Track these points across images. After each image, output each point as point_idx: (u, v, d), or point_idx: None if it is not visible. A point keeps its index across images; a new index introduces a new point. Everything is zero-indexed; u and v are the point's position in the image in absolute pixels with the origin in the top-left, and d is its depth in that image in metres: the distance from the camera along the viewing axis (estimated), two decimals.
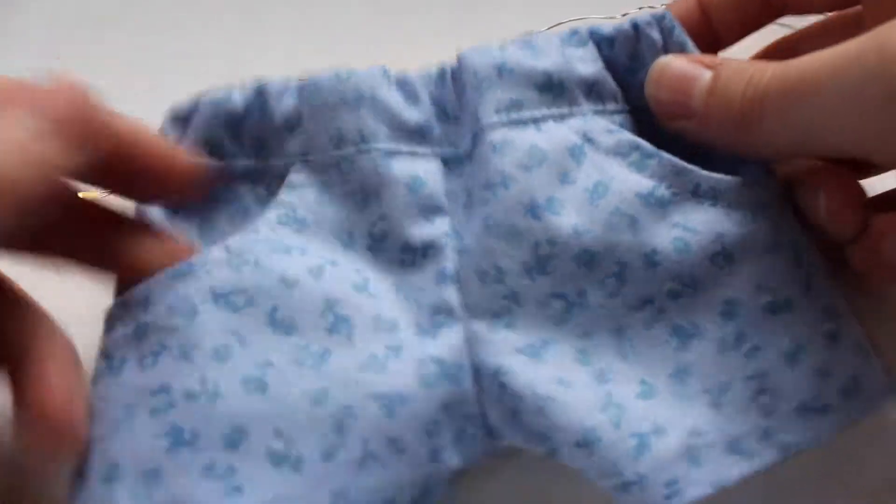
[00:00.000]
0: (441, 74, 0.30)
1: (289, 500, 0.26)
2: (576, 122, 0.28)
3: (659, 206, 0.27)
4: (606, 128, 0.28)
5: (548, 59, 0.28)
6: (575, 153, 0.28)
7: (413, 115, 0.29)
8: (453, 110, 0.30)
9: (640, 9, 0.43)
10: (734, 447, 0.26)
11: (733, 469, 0.26)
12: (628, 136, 0.28)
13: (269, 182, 0.30)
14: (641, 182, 0.28)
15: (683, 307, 0.27)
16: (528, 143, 0.28)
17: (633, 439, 0.26)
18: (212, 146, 0.30)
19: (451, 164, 0.29)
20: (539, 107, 0.28)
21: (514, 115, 0.28)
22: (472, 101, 0.29)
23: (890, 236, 0.28)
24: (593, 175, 0.28)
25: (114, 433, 0.26)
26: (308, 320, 0.27)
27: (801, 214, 0.29)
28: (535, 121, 0.28)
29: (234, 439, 0.26)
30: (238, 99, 0.29)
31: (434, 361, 0.27)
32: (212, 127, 0.29)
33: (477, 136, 0.28)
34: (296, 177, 0.29)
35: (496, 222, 0.28)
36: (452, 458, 0.27)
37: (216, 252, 0.28)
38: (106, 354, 0.27)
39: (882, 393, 0.27)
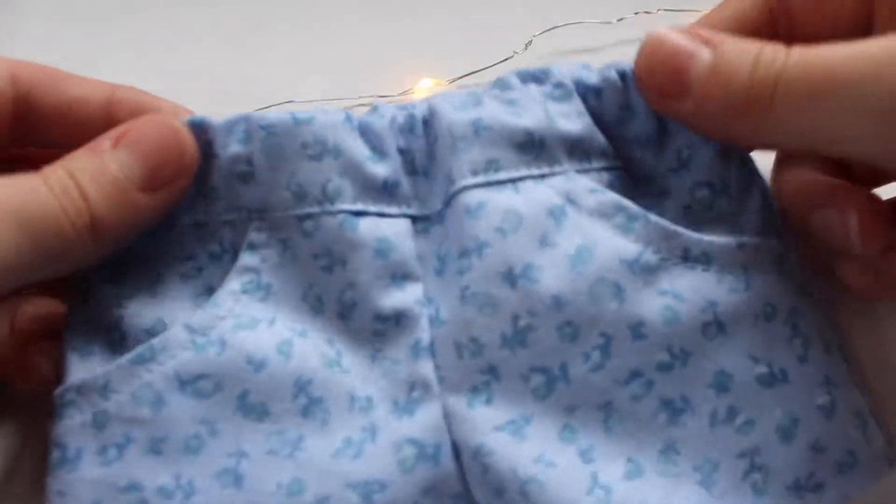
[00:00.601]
0: (409, 123, 0.28)
1: None
2: (557, 182, 0.27)
3: (645, 273, 0.26)
4: (589, 188, 0.27)
5: (529, 117, 0.27)
6: (555, 214, 0.27)
7: (380, 169, 0.27)
8: (423, 164, 0.28)
9: (635, 13, 0.43)
10: None
11: None
12: (612, 197, 0.27)
13: (221, 238, 0.28)
14: (627, 247, 0.26)
15: (673, 380, 0.26)
16: (504, 205, 0.26)
17: None
18: None
19: (420, 224, 0.28)
20: (518, 167, 0.27)
21: (490, 176, 0.27)
22: (445, 160, 0.27)
23: None
24: (575, 239, 0.26)
25: None
26: (280, 404, 0.26)
27: (814, 245, 0.28)
28: (513, 181, 0.27)
29: None
30: None
31: (411, 443, 0.26)
32: None
33: (450, 198, 0.27)
34: (256, 236, 0.27)
35: (472, 293, 0.26)
36: None
37: (178, 333, 0.26)
38: (58, 443, 0.26)
39: (880, 466, 0.26)
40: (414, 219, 0.28)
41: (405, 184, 0.28)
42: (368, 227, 0.27)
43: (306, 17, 0.42)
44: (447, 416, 0.27)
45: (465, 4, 0.43)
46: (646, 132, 0.28)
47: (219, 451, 0.26)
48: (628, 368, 0.26)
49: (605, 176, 0.28)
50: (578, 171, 0.27)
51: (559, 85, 0.28)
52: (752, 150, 0.28)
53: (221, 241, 0.28)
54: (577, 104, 0.27)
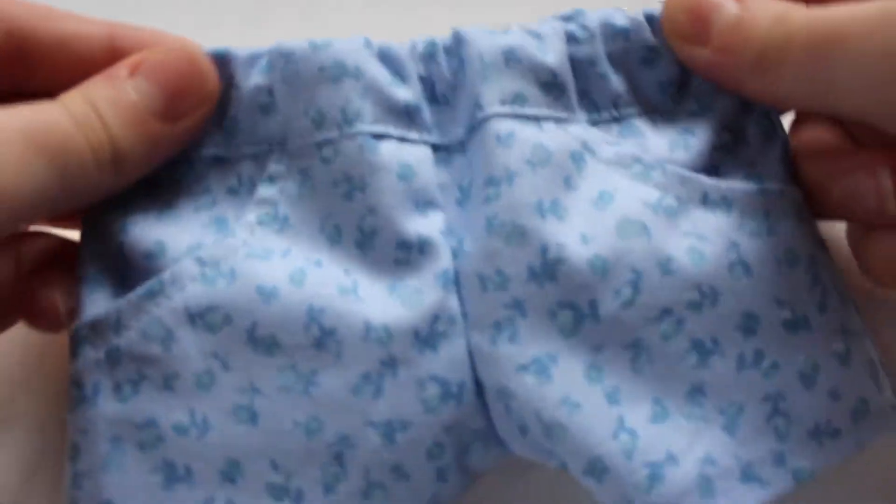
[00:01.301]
0: (430, 51, 0.27)
1: None
2: (573, 129, 0.26)
3: (668, 215, 0.25)
4: (604, 139, 0.26)
5: (553, 55, 0.26)
6: (576, 159, 0.26)
7: (401, 93, 0.26)
8: (443, 92, 0.27)
9: None
10: (748, 474, 0.25)
11: (748, 498, 0.25)
12: (628, 149, 0.26)
13: (240, 173, 0.27)
14: (647, 192, 0.26)
15: (703, 320, 0.25)
16: (532, 139, 0.25)
17: (646, 469, 0.24)
18: None
19: (441, 153, 0.27)
20: (541, 106, 0.26)
21: (517, 109, 0.26)
22: (473, 86, 0.26)
23: None
24: (595, 185, 0.26)
25: (102, 469, 0.25)
26: (290, 337, 0.25)
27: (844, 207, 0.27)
28: (537, 119, 0.26)
29: (231, 473, 0.25)
30: None
31: (435, 382, 0.25)
32: None
33: (477, 126, 0.26)
34: (275, 168, 0.26)
35: (500, 221, 0.25)
36: (458, 477, 0.26)
37: (187, 265, 0.25)
38: (76, 381, 0.25)
39: (890, 415, 0.26)
40: (435, 147, 0.27)
41: (426, 111, 0.27)
42: (389, 151, 0.26)
43: (308, 8, 0.41)
44: (471, 351, 0.25)
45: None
46: (669, 76, 0.27)
47: (231, 387, 0.25)
48: (659, 306, 0.25)
49: (615, 127, 0.27)
50: (590, 123, 0.27)
51: (584, 26, 0.26)
52: (766, 104, 0.27)
53: (240, 175, 0.27)
54: (598, 45, 0.27)
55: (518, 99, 0.26)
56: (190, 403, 0.25)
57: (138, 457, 0.25)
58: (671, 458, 0.24)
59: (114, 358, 0.25)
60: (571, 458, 0.25)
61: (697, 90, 0.27)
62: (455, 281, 0.26)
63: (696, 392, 0.25)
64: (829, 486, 0.28)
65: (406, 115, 0.26)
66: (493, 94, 0.26)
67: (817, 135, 0.28)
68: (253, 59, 0.26)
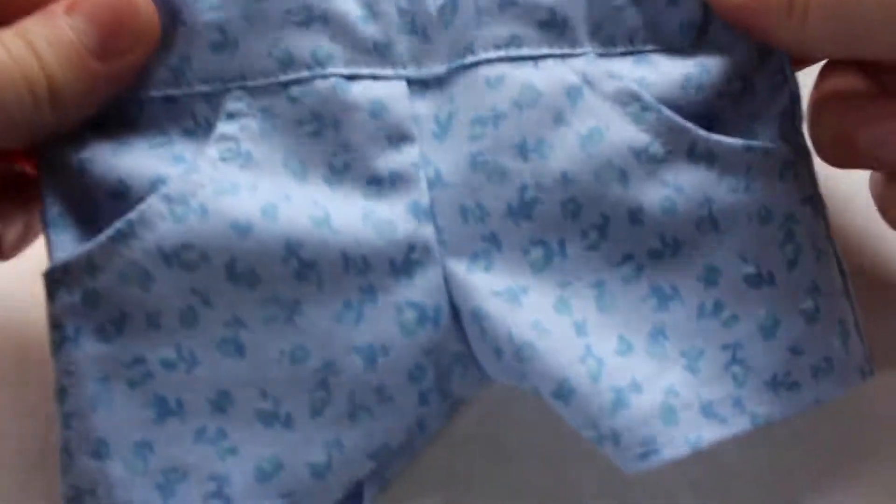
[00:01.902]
0: None
1: (284, 456, 0.26)
2: (577, 63, 0.26)
3: (651, 163, 0.26)
4: (608, 72, 0.26)
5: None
6: (572, 94, 0.26)
7: (371, 29, 0.26)
8: (424, 27, 0.26)
9: None
10: (708, 411, 0.26)
11: (708, 431, 0.26)
12: (629, 85, 0.26)
13: (195, 113, 0.26)
14: (637, 136, 0.26)
15: (664, 268, 0.26)
16: (522, 80, 0.26)
17: (611, 393, 0.25)
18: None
19: (416, 86, 0.26)
20: (540, 45, 0.26)
21: (512, 52, 0.26)
22: (465, 31, 0.26)
23: None
24: (589, 120, 0.26)
25: (92, 408, 0.25)
26: (270, 269, 0.25)
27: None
28: (534, 58, 0.26)
29: (221, 404, 0.26)
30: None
31: (412, 307, 0.26)
32: None
33: (466, 68, 0.26)
34: (234, 105, 0.26)
35: (484, 160, 0.26)
36: (440, 400, 0.27)
37: (155, 203, 0.25)
38: (56, 324, 0.25)
39: (851, 377, 0.27)
40: (409, 81, 0.26)
41: (402, 43, 0.26)
42: (361, 90, 0.26)
43: None
44: (447, 279, 0.26)
45: None
46: (691, 18, 0.27)
47: (215, 322, 0.25)
48: (621, 251, 0.26)
49: (629, 60, 0.27)
50: (600, 55, 0.27)
51: None
52: (799, 55, 0.28)
53: (195, 115, 0.26)
54: None
55: (513, 41, 0.26)
56: (176, 340, 0.25)
57: (128, 394, 0.25)
58: (636, 386, 0.26)
59: (92, 301, 0.25)
60: (541, 380, 0.26)
61: (716, 35, 0.27)
62: (430, 210, 0.26)
63: (659, 333, 0.26)
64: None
65: (377, 53, 0.26)
66: (486, 39, 0.26)
67: (844, 83, 0.29)
68: None
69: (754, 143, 0.27)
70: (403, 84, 0.26)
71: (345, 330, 0.26)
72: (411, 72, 0.26)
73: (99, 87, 0.25)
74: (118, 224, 0.25)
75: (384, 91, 0.26)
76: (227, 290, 0.25)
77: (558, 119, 0.26)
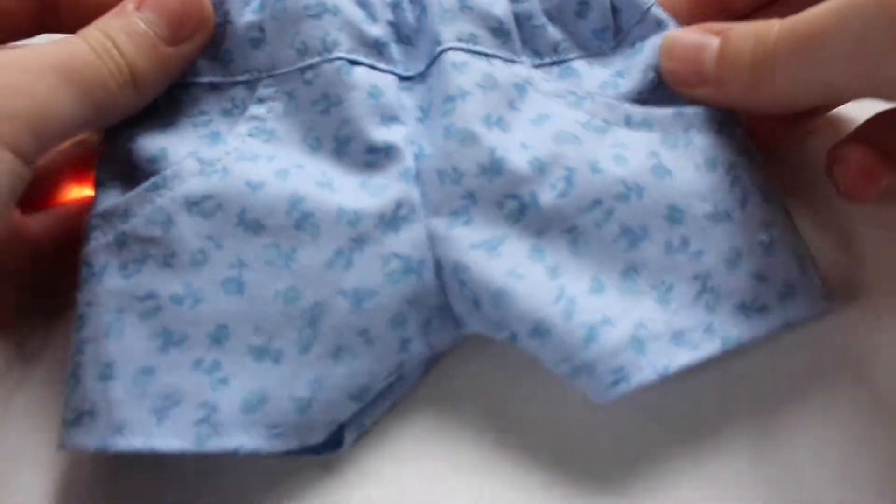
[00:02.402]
0: (397, 1, 0.32)
1: (270, 389, 0.28)
2: (518, 69, 0.31)
3: (597, 132, 0.30)
4: (544, 78, 0.31)
5: (499, 7, 0.31)
6: (519, 88, 0.31)
7: (372, 29, 0.31)
8: (408, 34, 0.32)
9: None
10: (679, 339, 0.28)
11: (678, 357, 0.28)
12: (563, 84, 0.31)
13: (234, 97, 0.31)
14: (579, 115, 0.30)
15: (631, 209, 0.29)
16: (483, 69, 0.30)
17: (583, 329, 0.28)
18: None
19: (404, 82, 0.32)
20: (491, 46, 0.31)
21: (471, 46, 0.31)
22: (433, 27, 0.31)
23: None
24: (535, 109, 0.31)
25: (105, 335, 0.28)
26: (274, 219, 0.29)
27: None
28: (487, 56, 0.31)
29: (219, 337, 0.28)
30: None
31: (397, 257, 0.29)
32: None
33: (437, 57, 0.31)
34: (265, 91, 0.31)
35: (456, 129, 0.29)
36: (421, 348, 0.30)
37: (188, 163, 0.29)
38: (87, 262, 0.29)
39: (816, 301, 0.29)
40: (400, 78, 0.32)
41: (394, 48, 0.32)
42: (361, 74, 0.31)
43: None
44: (430, 236, 0.29)
45: None
46: (602, 24, 0.32)
47: (222, 263, 0.29)
48: (590, 197, 0.29)
49: (556, 69, 0.32)
50: (534, 66, 0.32)
51: None
52: (776, 113, 0.31)
53: (234, 99, 0.32)
54: (533, 4, 0.32)
55: (472, 38, 0.31)
56: (186, 278, 0.29)
57: (138, 325, 0.28)
58: (607, 321, 0.28)
59: (121, 241, 0.29)
60: (518, 324, 0.28)
61: (630, 34, 0.32)
62: (416, 178, 0.30)
63: (630, 271, 0.29)
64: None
65: (375, 49, 0.31)
66: (450, 32, 0.31)
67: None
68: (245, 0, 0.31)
69: (685, 109, 0.30)
70: (395, 78, 0.31)
71: (335, 274, 0.29)
72: (400, 70, 0.32)
73: (171, 68, 0.30)
74: (155, 178, 0.29)
75: (379, 79, 0.31)
76: (235, 236, 0.29)
77: (511, 105, 0.30)
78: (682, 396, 0.30)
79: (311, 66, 0.31)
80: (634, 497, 0.29)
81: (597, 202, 0.29)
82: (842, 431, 0.29)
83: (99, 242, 0.29)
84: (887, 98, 0.28)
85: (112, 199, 0.30)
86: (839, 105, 0.32)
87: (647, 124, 0.30)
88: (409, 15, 0.32)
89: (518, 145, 0.30)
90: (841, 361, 0.31)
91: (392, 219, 0.29)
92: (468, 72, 0.30)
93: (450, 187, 0.29)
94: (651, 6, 0.32)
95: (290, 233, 0.29)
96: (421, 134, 0.31)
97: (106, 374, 0.28)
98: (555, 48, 0.32)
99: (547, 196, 0.29)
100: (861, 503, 0.28)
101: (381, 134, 0.30)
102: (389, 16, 0.32)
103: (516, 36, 0.32)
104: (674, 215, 0.29)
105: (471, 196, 0.29)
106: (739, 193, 0.29)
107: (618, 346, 0.27)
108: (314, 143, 0.31)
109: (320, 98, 0.30)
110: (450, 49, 0.31)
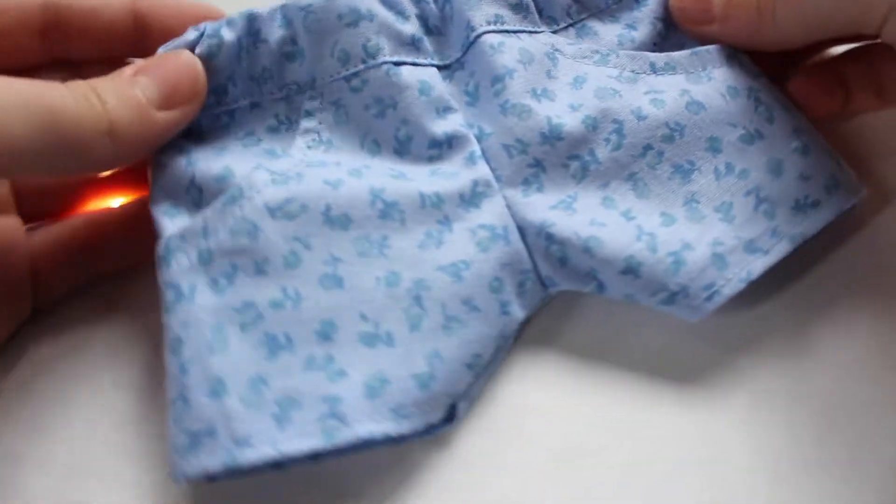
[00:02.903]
0: None
1: (389, 371, 0.28)
2: (542, 38, 0.33)
3: (629, 82, 0.32)
4: (566, 41, 0.33)
5: None
6: (551, 57, 0.33)
7: (406, 27, 0.32)
8: (436, 25, 0.33)
9: None
10: (751, 247, 0.30)
11: (755, 264, 0.30)
12: (586, 45, 0.33)
13: (277, 113, 0.32)
14: (609, 71, 0.33)
15: (677, 148, 0.31)
16: (517, 45, 0.32)
17: (669, 258, 0.30)
18: (212, 89, 0.31)
19: (443, 72, 0.33)
20: (515, 23, 0.33)
21: (499, 27, 0.33)
22: (462, 15, 0.32)
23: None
24: (569, 73, 0.33)
25: (209, 352, 0.27)
26: (360, 212, 0.29)
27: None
28: (516, 32, 0.33)
29: (326, 332, 0.28)
30: (229, 33, 0.31)
31: (484, 227, 0.30)
32: (210, 70, 0.31)
33: (472, 42, 0.32)
34: (310, 104, 0.32)
35: (511, 104, 0.31)
36: (518, 311, 0.30)
37: (260, 174, 0.29)
38: (172, 285, 0.28)
39: (856, 186, 0.32)
40: (438, 68, 0.33)
41: (426, 41, 0.33)
42: (408, 73, 0.32)
43: None
44: (509, 205, 0.31)
45: None
46: None
47: (316, 261, 0.29)
48: (640, 144, 0.32)
49: (572, 31, 0.34)
50: (553, 32, 0.34)
51: None
52: (775, 50, 0.33)
53: (277, 115, 0.32)
54: None
55: (498, 19, 0.33)
56: (281, 282, 0.28)
57: (241, 336, 0.28)
58: (687, 246, 0.30)
59: (205, 258, 0.29)
60: (609, 266, 0.30)
61: None
62: (483, 156, 0.31)
63: (691, 202, 0.31)
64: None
65: (413, 46, 0.33)
66: (480, 17, 0.33)
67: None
68: (273, 14, 0.32)
69: (698, 49, 0.33)
70: (435, 70, 0.33)
71: (429, 254, 0.30)
72: (437, 61, 0.33)
73: (156, 132, 0.29)
74: (230, 191, 0.29)
75: (424, 74, 0.32)
76: (324, 234, 0.29)
77: (549, 75, 0.32)
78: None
79: (355, 74, 0.32)
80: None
81: (647, 147, 0.32)
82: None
83: (181, 264, 0.29)
84: (870, 30, 0.31)
85: (181, 221, 0.30)
86: (830, 44, 0.36)
87: (670, 68, 0.33)
88: (433, 6, 0.33)
89: (568, 109, 0.32)
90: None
91: (471, 196, 0.31)
92: (506, 51, 0.32)
93: (518, 158, 0.31)
94: None
95: (377, 223, 0.30)
96: (475, 116, 0.32)
97: (218, 389, 0.27)
98: (567, 12, 0.34)
99: (603, 151, 0.31)
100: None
101: (440, 126, 0.32)
102: (416, 10, 0.33)
103: (533, 8, 0.34)
104: (714, 146, 0.31)
105: (538, 164, 0.31)
106: (764, 112, 0.32)
107: (703, 265, 0.30)
108: (373, 146, 0.32)
109: (373, 103, 0.32)
110: (485, 33, 0.32)
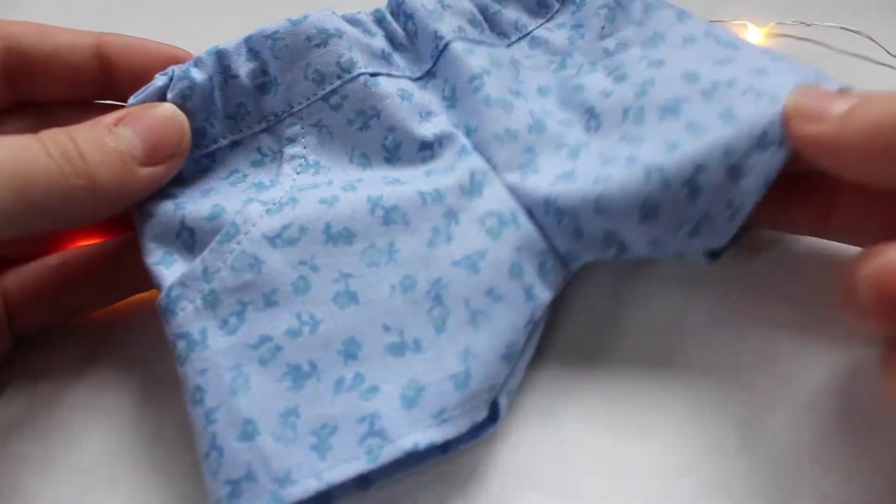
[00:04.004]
0: (379, 16, 0.33)
1: (423, 377, 0.27)
2: (499, 51, 0.33)
3: (589, 73, 0.32)
4: (522, 54, 0.34)
5: (466, 2, 0.34)
6: (514, 65, 0.33)
7: (375, 42, 0.32)
8: (402, 42, 0.33)
9: None
10: (763, 142, 0.26)
11: (771, 161, 0.26)
12: (538, 53, 0.34)
13: (259, 146, 0.31)
14: (568, 73, 0.33)
15: (656, 95, 0.29)
16: (484, 52, 0.32)
17: (685, 188, 0.27)
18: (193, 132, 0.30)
19: (417, 83, 0.33)
20: (474, 35, 0.33)
21: (462, 36, 0.32)
22: (427, 28, 0.32)
23: None
24: (533, 83, 0.33)
25: (232, 395, 0.26)
26: (361, 223, 0.28)
27: None
28: (477, 42, 0.33)
29: (350, 351, 0.27)
30: (200, 74, 0.30)
31: (491, 215, 0.29)
32: (185, 114, 0.30)
33: (442, 50, 0.32)
34: (291, 130, 0.31)
35: (494, 98, 0.31)
36: (543, 292, 0.29)
37: (253, 206, 0.29)
38: (181, 334, 0.27)
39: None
40: (410, 80, 0.33)
41: (395, 56, 0.33)
42: (386, 82, 0.31)
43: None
44: (510, 189, 0.30)
45: None
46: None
47: (326, 281, 0.28)
48: (618, 112, 0.30)
49: (524, 43, 0.34)
50: (507, 46, 0.34)
51: None
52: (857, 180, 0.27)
53: (259, 148, 0.31)
54: None
55: (461, 30, 0.33)
56: (294, 309, 0.27)
57: (262, 372, 0.26)
58: (699, 168, 0.26)
59: (210, 301, 0.27)
60: (626, 216, 0.27)
61: None
62: (475, 150, 0.31)
63: (691, 124, 0.28)
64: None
65: (384, 59, 0.32)
66: (445, 27, 0.32)
67: None
68: (238, 48, 0.31)
69: (643, 21, 0.33)
70: (409, 81, 0.32)
71: (441, 251, 0.28)
72: (409, 74, 0.33)
73: (138, 187, 0.28)
74: (225, 229, 0.28)
75: (401, 83, 0.32)
76: (328, 252, 0.28)
77: (517, 79, 0.32)
78: None
79: (334, 91, 0.31)
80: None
81: (625, 111, 0.30)
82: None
83: (187, 312, 0.27)
84: None
85: (179, 268, 0.28)
86: None
87: (623, 46, 0.33)
88: (396, 25, 0.33)
89: (542, 102, 0.32)
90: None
91: (471, 185, 0.30)
92: (477, 55, 0.32)
93: (510, 145, 0.30)
94: None
95: (381, 230, 0.29)
96: (458, 116, 0.32)
97: (249, 431, 0.25)
98: (515, 26, 0.35)
99: (586, 136, 0.30)
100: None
101: (427, 129, 0.31)
102: (380, 30, 0.33)
103: (485, 24, 0.34)
104: (690, 78, 0.29)
105: (530, 150, 0.30)
106: (728, 44, 0.30)
107: (719, 184, 0.26)
108: (362, 160, 0.31)
109: (355, 117, 0.31)
110: (453, 40, 0.32)
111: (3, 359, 0.32)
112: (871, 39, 0.40)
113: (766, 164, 0.26)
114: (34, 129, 0.27)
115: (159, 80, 0.30)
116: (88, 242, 0.33)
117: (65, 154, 0.26)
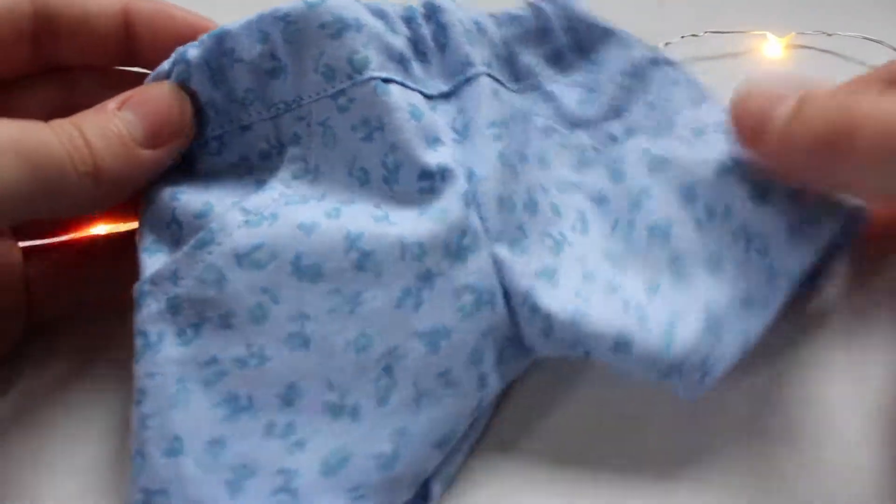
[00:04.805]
0: (409, 14, 0.30)
1: (350, 447, 0.26)
2: (515, 100, 0.31)
3: (587, 166, 0.31)
4: (533, 110, 0.32)
5: (495, 33, 0.31)
6: (525, 121, 0.31)
7: (396, 41, 0.29)
8: (424, 51, 0.30)
9: (682, 37, 0.44)
10: (748, 302, 0.27)
11: (753, 323, 0.27)
12: (548, 122, 0.32)
13: (267, 136, 0.29)
14: (570, 156, 0.32)
15: (648, 210, 0.29)
16: (508, 99, 0.30)
17: (661, 332, 0.26)
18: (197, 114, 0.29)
19: (428, 101, 0.29)
20: (501, 72, 0.31)
21: (491, 71, 0.30)
22: (461, 48, 0.29)
23: None
24: (536, 148, 0.31)
25: (169, 408, 0.26)
26: (333, 262, 0.27)
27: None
28: (501, 83, 0.30)
29: (289, 397, 0.26)
30: (196, 56, 0.28)
31: (469, 290, 0.27)
32: (191, 93, 0.29)
33: (471, 80, 0.29)
34: (297, 127, 0.29)
35: (507, 157, 0.28)
36: (496, 382, 0.28)
37: (234, 214, 0.27)
38: (141, 331, 0.27)
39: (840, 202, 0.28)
40: (423, 96, 0.29)
41: (414, 65, 0.29)
42: (398, 93, 0.28)
43: None
44: (496, 262, 0.28)
45: None
46: (553, 50, 0.33)
47: (282, 317, 0.27)
48: (608, 223, 0.30)
49: (534, 94, 0.32)
50: (517, 92, 0.32)
51: (493, 17, 0.32)
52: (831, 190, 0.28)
53: (267, 138, 0.29)
54: (503, 31, 0.31)
55: (490, 64, 0.30)
56: (247, 338, 0.27)
57: (203, 393, 0.26)
58: (678, 315, 0.27)
59: (174, 306, 0.27)
60: (597, 341, 0.27)
61: (594, 50, 0.33)
62: (473, 201, 0.28)
63: (676, 261, 0.28)
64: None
65: (401, 64, 0.29)
66: (477, 55, 0.30)
67: None
68: (247, 28, 0.28)
69: (655, 101, 0.32)
70: (421, 97, 0.29)
71: (405, 316, 0.27)
72: (423, 88, 0.29)
73: (141, 171, 0.28)
74: (201, 234, 0.27)
75: (414, 97, 0.29)
76: (292, 286, 0.27)
77: (524, 139, 0.30)
78: None
79: (342, 92, 0.28)
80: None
81: (615, 223, 0.30)
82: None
83: (151, 310, 0.27)
84: None
85: (159, 262, 0.28)
86: None
87: (629, 132, 0.31)
88: (426, 31, 0.30)
89: (538, 185, 0.30)
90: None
91: (457, 248, 0.27)
92: (502, 99, 0.30)
93: (507, 216, 0.28)
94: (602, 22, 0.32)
95: (351, 275, 0.27)
96: (465, 156, 0.29)
97: (175, 448, 0.26)
98: (529, 70, 0.32)
99: (571, 234, 0.30)
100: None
101: (433, 157, 0.28)
102: (406, 30, 0.30)
103: (507, 63, 0.31)
104: (688, 193, 0.28)
105: (521, 229, 0.28)
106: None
107: (697, 337, 0.26)
108: (361, 174, 0.29)
109: (360, 124, 0.28)
110: (483, 74, 0.30)
111: (13, 348, 0.33)
112: (894, 49, 0.39)
113: (746, 327, 0.26)
114: (58, 93, 0.29)
115: (166, 64, 0.29)
116: (103, 230, 0.34)
117: (72, 140, 0.26)
